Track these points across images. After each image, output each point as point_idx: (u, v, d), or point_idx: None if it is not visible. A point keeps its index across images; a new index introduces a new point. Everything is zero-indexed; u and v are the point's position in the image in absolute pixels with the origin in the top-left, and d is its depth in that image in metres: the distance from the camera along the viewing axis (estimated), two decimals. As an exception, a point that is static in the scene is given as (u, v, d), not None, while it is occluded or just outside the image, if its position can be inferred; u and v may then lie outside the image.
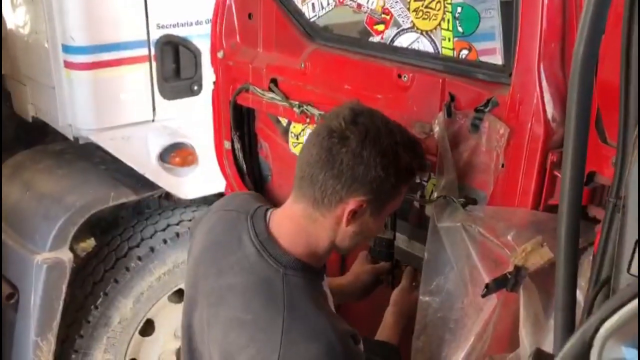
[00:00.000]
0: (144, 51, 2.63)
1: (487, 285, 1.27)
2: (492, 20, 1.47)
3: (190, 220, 2.90)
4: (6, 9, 2.98)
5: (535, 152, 1.27)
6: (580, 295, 1.18)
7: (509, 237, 1.30)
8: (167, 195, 2.99)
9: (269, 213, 1.40)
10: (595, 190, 1.24)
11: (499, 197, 1.38)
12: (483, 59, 1.50)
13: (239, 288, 1.32)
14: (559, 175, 1.24)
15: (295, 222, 1.34)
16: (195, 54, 2.73)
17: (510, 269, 1.26)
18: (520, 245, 1.28)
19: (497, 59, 1.45)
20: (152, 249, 2.80)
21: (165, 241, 2.82)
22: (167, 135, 2.79)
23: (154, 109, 2.74)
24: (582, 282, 1.20)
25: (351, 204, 1.27)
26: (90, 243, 3.12)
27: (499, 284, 1.26)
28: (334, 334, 1.24)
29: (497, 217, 1.36)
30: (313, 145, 1.28)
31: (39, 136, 3.24)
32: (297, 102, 1.84)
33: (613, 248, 0.99)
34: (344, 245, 1.37)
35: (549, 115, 1.26)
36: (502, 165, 1.35)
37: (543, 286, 1.26)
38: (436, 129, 1.45)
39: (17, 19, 2.95)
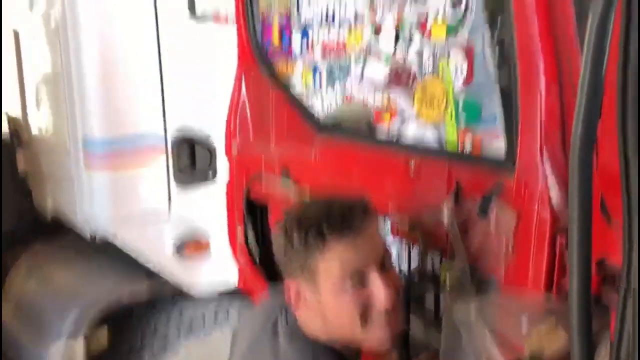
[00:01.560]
0: (161, 147, 2.73)
1: (504, 374, 1.24)
2: (494, 107, 1.52)
3: (204, 310, 2.88)
4: (32, 109, 3.14)
5: (544, 236, 1.28)
6: (600, 382, 1.14)
7: (523, 322, 1.28)
8: (180, 289, 2.99)
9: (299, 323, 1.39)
10: (607, 275, 1.23)
11: (511, 281, 1.38)
12: (486, 142, 1.54)
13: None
14: (569, 258, 1.24)
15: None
16: (210, 148, 2.83)
17: (527, 353, 1.23)
18: (534, 329, 1.25)
19: (501, 143, 1.49)
20: (165, 339, 2.77)
21: (178, 331, 2.79)
22: (181, 228, 2.83)
23: (169, 202, 2.80)
24: (601, 367, 1.17)
25: (291, 288, 1.33)
26: (104, 334, 3.10)
27: (516, 372, 1.23)
28: None
29: (510, 301, 1.34)
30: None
31: (57, 231, 3.30)
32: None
33: (629, 335, 0.98)
34: (333, 334, 1.33)
35: (554, 200, 1.28)
36: (512, 250, 1.35)
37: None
38: (445, 215, 1.47)
39: (41, 118, 3.10)
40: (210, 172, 2.83)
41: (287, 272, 1.34)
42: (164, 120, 2.71)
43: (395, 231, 1.69)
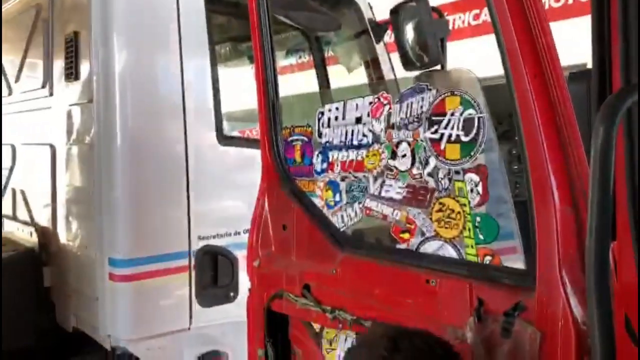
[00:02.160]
0: (184, 262, 2.78)
1: None
2: (511, 225, 1.55)
3: None
4: (61, 225, 3.24)
5: (570, 355, 1.26)
6: None
7: None
8: (201, 406, 2.91)
9: None
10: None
11: (540, 404, 1.33)
12: (504, 257, 1.55)
13: None
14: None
15: None
16: (232, 262, 2.86)
17: None
18: None
19: (518, 257, 1.50)
20: None
21: None
22: (202, 343, 2.81)
23: (190, 317, 2.79)
24: None
25: None
26: None
27: None
28: None
29: None
30: None
31: (77, 348, 3.27)
32: (329, 308, 1.88)
33: None
34: None
35: (578, 318, 1.27)
36: (539, 370, 1.33)
37: None
38: (469, 334, 1.46)
39: (69, 235, 3.18)
40: (232, 292, 2.84)
41: None
42: (189, 239, 2.77)
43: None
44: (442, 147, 1.62)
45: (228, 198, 2.86)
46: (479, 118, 1.53)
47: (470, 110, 1.55)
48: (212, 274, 2.84)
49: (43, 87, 3.35)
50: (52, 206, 3.28)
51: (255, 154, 2.28)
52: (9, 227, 3.75)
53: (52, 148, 3.26)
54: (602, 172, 0.96)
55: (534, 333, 1.31)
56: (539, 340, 1.30)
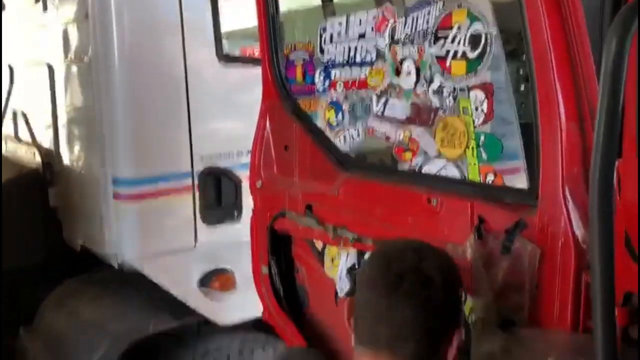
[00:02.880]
0: (187, 182, 2.79)
1: (531, 414, 1.22)
2: (515, 144, 1.53)
3: (228, 346, 2.89)
4: (63, 145, 3.24)
5: (569, 274, 1.27)
6: None
7: (550, 362, 1.27)
8: (207, 321, 3.01)
9: None
10: (634, 311, 1.21)
11: (536, 318, 1.36)
12: (507, 178, 1.54)
13: None
14: (595, 296, 1.23)
15: None
16: (236, 183, 2.88)
17: (554, 396, 1.21)
18: (562, 370, 1.24)
19: (522, 177, 1.49)
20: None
21: (203, 369, 2.80)
22: (207, 261, 2.87)
23: (195, 236, 2.84)
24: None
25: (455, 339, 1.25)
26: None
27: (544, 412, 1.21)
28: None
29: (536, 339, 1.33)
30: (391, 303, 1.18)
31: (86, 265, 3.36)
32: (331, 226, 1.90)
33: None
34: None
35: (579, 237, 1.28)
36: (537, 287, 1.35)
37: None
38: (469, 251, 1.47)
39: (72, 154, 3.19)
40: (236, 211, 2.87)
41: (451, 323, 1.23)
42: (192, 159, 2.77)
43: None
44: (448, 63, 1.58)
45: (230, 118, 2.83)
46: (486, 34, 1.48)
47: (478, 25, 1.49)
48: (216, 194, 2.86)
49: (37, 1, 3.24)
50: (54, 127, 3.26)
51: (257, 73, 2.23)
52: (12, 148, 3.75)
53: (50, 68, 3.20)
54: (612, 87, 0.93)
55: (534, 250, 1.32)
56: (538, 257, 1.32)
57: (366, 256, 1.31)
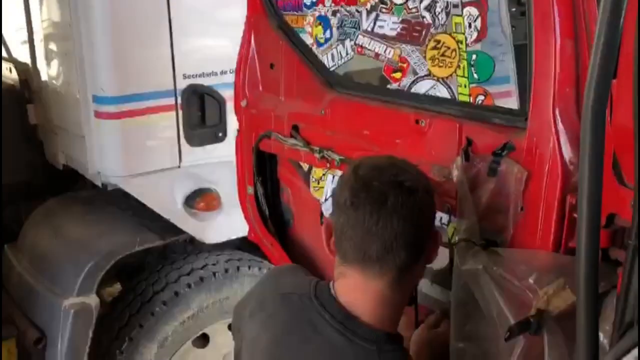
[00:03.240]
0: (170, 100, 2.72)
1: (509, 329, 1.26)
2: (507, 63, 1.50)
3: (214, 265, 2.93)
4: (41, 62, 3.13)
5: (554, 195, 1.28)
6: (605, 340, 1.16)
7: (531, 280, 1.29)
8: (192, 240, 3.04)
9: (331, 290, 1.32)
10: (615, 232, 1.23)
11: (519, 239, 1.38)
12: (499, 102, 1.52)
13: None
14: (578, 217, 1.24)
15: (379, 298, 1.27)
16: (220, 102, 2.82)
17: (533, 312, 1.25)
18: (542, 288, 1.27)
19: (513, 102, 1.47)
20: (176, 294, 2.83)
21: (189, 285, 2.85)
22: (192, 181, 2.85)
23: (180, 156, 2.81)
24: (607, 326, 1.19)
25: (435, 238, 1.31)
26: (116, 287, 3.18)
27: (522, 327, 1.25)
28: None
29: (518, 259, 1.35)
30: (379, 218, 1.21)
31: (69, 183, 3.33)
32: (317, 148, 1.88)
33: (635, 291, 0.99)
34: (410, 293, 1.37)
35: (566, 159, 1.27)
36: (522, 209, 1.36)
37: (567, 330, 1.25)
38: (455, 172, 1.47)
39: (51, 71, 3.08)
40: (220, 131, 2.82)
41: (430, 232, 1.30)
42: (174, 77, 2.69)
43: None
44: (441, -22, 1.51)
45: (214, 35, 2.73)
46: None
47: None
48: (200, 113, 2.80)
49: None
50: (30, 42, 3.14)
51: (241, -14, 2.13)
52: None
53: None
54: (612, 5, 0.89)
55: (521, 172, 1.32)
56: (524, 179, 1.31)
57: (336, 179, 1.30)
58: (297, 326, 1.30)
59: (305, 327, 1.28)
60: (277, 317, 1.35)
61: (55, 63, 3.04)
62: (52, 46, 3.02)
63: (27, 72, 3.23)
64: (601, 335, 1.12)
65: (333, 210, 1.32)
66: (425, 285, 1.72)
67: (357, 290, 1.27)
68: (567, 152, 1.27)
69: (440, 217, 1.61)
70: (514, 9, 1.45)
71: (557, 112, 1.27)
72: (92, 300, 2.65)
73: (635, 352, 0.64)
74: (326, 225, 1.35)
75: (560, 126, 1.27)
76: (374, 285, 1.25)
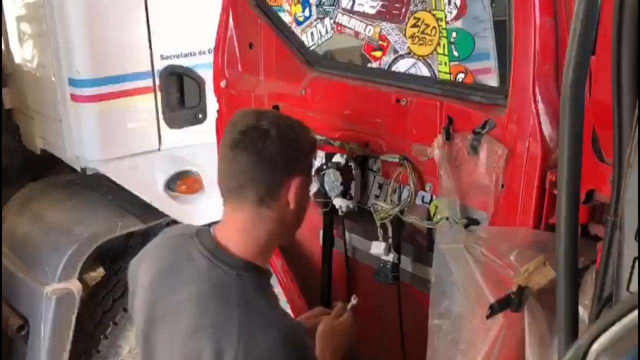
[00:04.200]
0: (148, 82, 2.68)
1: (491, 306, 1.27)
2: (487, 40, 1.50)
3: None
4: (14, 44, 3.05)
5: (534, 172, 1.28)
6: (585, 314, 1.18)
7: (512, 257, 1.30)
8: (174, 223, 3.01)
9: (212, 229, 1.46)
10: (595, 208, 1.24)
11: (500, 217, 1.39)
12: (479, 78, 1.52)
13: (193, 298, 1.36)
14: (558, 194, 1.25)
15: (242, 229, 1.40)
16: (199, 83, 2.78)
17: (514, 289, 1.26)
18: (522, 265, 1.28)
19: (493, 79, 1.47)
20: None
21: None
22: (173, 164, 2.83)
23: (159, 138, 2.77)
24: (586, 301, 1.20)
25: (294, 184, 1.38)
26: (99, 272, 3.15)
27: (503, 304, 1.26)
28: (289, 323, 1.38)
29: (499, 237, 1.36)
30: (235, 155, 1.36)
31: (48, 168, 3.28)
32: (298, 128, 1.86)
33: (614, 266, 1.00)
34: (289, 231, 1.49)
35: (546, 135, 1.27)
36: (502, 186, 1.36)
37: (547, 305, 1.26)
38: (436, 151, 1.47)
39: (25, 54, 3.01)
40: (200, 113, 2.79)
41: (289, 170, 1.38)
42: (151, 58, 2.65)
43: (386, 170, 1.69)
44: (421, -46, 1.49)
45: (191, 14, 2.68)
46: None
47: None
48: (179, 95, 2.76)
49: None
50: (1, 22, 3.05)
51: (218, -36, 2.09)
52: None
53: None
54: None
55: (501, 149, 1.32)
56: (505, 157, 1.32)
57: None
58: (175, 259, 1.44)
59: (181, 258, 1.43)
60: (160, 255, 1.50)
61: (29, 45, 2.97)
62: (25, 27, 2.95)
63: (0, 56, 3.15)
64: (581, 310, 1.13)
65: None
66: (407, 264, 1.74)
67: (227, 222, 1.42)
68: (547, 129, 1.28)
69: (422, 196, 1.61)
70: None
71: (537, 89, 1.27)
72: (74, 285, 2.63)
73: (613, 329, 0.65)
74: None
75: (540, 103, 1.27)
76: (238, 217, 1.40)
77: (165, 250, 1.50)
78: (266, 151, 1.34)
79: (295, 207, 1.40)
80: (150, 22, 2.60)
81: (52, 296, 2.58)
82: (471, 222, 1.44)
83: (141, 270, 1.52)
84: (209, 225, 1.49)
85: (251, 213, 1.38)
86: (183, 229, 1.59)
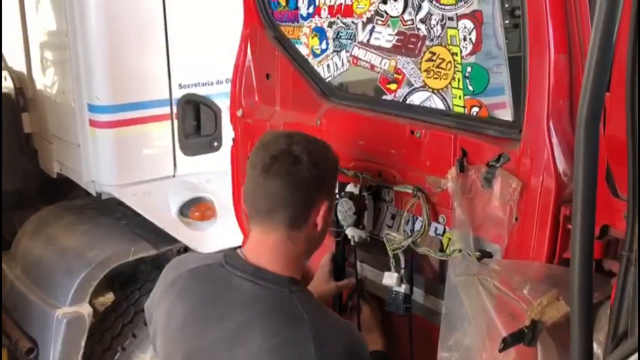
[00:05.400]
0: (166, 110, 2.73)
1: (504, 340, 1.26)
2: (501, 76, 1.51)
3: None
4: (36, 70, 3.13)
5: (548, 206, 1.28)
6: (599, 350, 1.17)
7: (525, 291, 1.30)
8: (186, 250, 3.03)
9: (239, 253, 1.46)
10: (609, 244, 1.24)
11: (513, 250, 1.39)
12: (493, 112, 1.54)
13: (251, 321, 1.35)
14: (572, 228, 1.25)
15: (273, 249, 1.42)
16: (215, 112, 2.83)
17: (527, 323, 1.25)
18: (536, 299, 1.27)
19: (507, 113, 1.48)
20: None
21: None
22: (187, 190, 2.85)
23: (174, 165, 2.81)
24: (601, 337, 1.19)
25: (322, 208, 1.43)
26: (108, 297, 3.16)
27: (516, 338, 1.26)
28: (349, 326, 1.47)
29: (512, 270, 1.36)
30: (266, 179, 1.38)
31: (63, 192, 3.32)
32: (313, 158, 1.88)
33: (629, 302, 0.99)
34: (313, 249, 1.52)
35: (560, 170, 1.28)
36: (516, 219, 1.36)
37: (560, 340, 1.25)
38: (449, 183, 1.48)
39: (46, 80, 3.08)
40: (215, 141, 2.83)
41: (319, 195, 1.43)
42: (170, 86, 2.70)
43: (400, 201, 1.70)
44: (437, -9, 1.53)
45: (209, 45, 2.74)
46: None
47: (469, -49, 1.44)
48: (195, 123, 2.81)
49: None
50: (25, 50, 3.14)
51: (238, -4, 2.14)
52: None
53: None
54: (606, 17, 0.90)
55: (515, 183, 1.33)
56: (519, 190, 1.32)
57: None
58: (212, 289, 1.43)
59: (220, 287, 1.42)
60: (189, 289, 1.46)
61: (50, 71, 3.04)
62: (48, 55, 3.03)
63: (23, 81, 3.23)
64: (595, 346, 1.13)
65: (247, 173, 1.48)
66: (420, 296, 1.73)
67: (257, 244, 1.44)
68: (561, 164, 1.28)
69: (435, 227, 1.62)
70: (507, 22, 1.47)
71: (551, 124, 1.28)
72: (85, 309, 2.64)
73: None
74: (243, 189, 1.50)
75: (554, 138, 1.28)
76: (269, 239, 1.42)
77: (194, 284, 1.46)
78: (298, 177, 1.37)
79: (321, 228, 1.45)
80: (170, 52, 2.66)
81: (63, 319, 2.59)
82: (484, 255, 1.44)
83: (165, 309, 1.47)
84: (221, 251, 1.49)
85: (282, 235, 1.41)
86: (201, 259, 1.55)
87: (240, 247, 2.21)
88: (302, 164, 1.38)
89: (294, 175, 1.37)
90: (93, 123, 2.68)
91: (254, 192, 1.41)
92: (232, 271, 1.42)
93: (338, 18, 1.84)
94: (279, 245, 1.41)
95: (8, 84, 3.29)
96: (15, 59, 3.31)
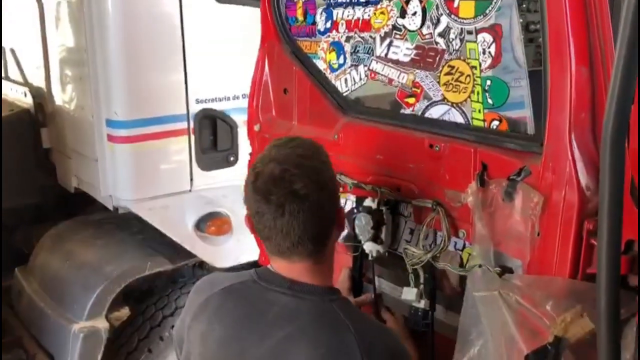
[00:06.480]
0: (183, 125, 2.75)
1: (527, 357, 1.24)
2: (522, 89, 1.50)
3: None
4: (55, 86, 3.17)
5: (571, 221, 1.26)
6: (626, 368, 1.14)
7: (548, 307, 1.27)
8: (201, 264, 3.03)
9: (271, 269, 1.46)
10: (634, 259, 1.22)
11: (536, 265, 1.37)
12: (514, 126, 1.52)
13: (295, 335, 1.35)
14: (596, 243, 1.22)
15: (304, 271, 1.43)
16: (232, 127, 2.84)
17: (550, 339, 1.23)
18: (559, 315, 1.25)
19: (528, 127, 1.47)
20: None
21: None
22: (203, 205, 2.86)
23: (191, 180, 2.82)
24: (628, 355, 1.17)
25: (339, 216, 1.47)
26: (124, 312, 3.16)
27: (539, 355, 1.23)
28: (388, 328, 1.55)
29: (534, 286, 1.34)
30: (279, 221, 1.36)
31: (80, 207, 3.34)
32: (330, 172, 1.87)
33: (656, 319, 0.97)
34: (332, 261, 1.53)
35: (583, 184, 1.26)
36: (538, 234, 1.34)
37: (583, 358, 1.23)
38: (469, 198, 1.46)
39: (65, 96, 3.12)
40: (232, 156, 2.84)
41: (333, 219, 1.44)
42: (187, 101, 2.72)
43: (418, 216, 1.69)
44: (456, 4, 1.52)
45: (227, 60, 2.76)
46: (496, -26, 1.43)
47: (488, -37, 1.43)
48: (212, 138, 2.83)
49: None
50: (45, 66, 3.18)
51: (256, 12, 2.16)
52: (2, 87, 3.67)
53: (40, 3, 3.09)
54: (631, 31, 0.89)
55: (537, 197, 1.31)
56: (541, 205, 1.31)
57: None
58: (250, 306, 1.43)
59: (258, 304, 1.42)
60: (224, 307, 1.46)
61: (69, 87, 3.08)
62: (67, 71, 3.07)
63: (42, 96, 3.27)
64: (622, 364, 1.10)
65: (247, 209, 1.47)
66: (440, 312, 1.71)
67: (288, 269, 1.44)
68: (584, 177, 1.26)
69: (455, 242, 1.60)
70: (526, 35, 1.46)
71: (573, 137, 1.26)
72: (102, 324, 2.64)
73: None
74: (247, 220, 1.48)
75: (577, 151, 1.27)
76: (298, 266, 1.42)
77: (230, 302, 1.46)
78: (313, 209, 1.36)
79: (342, 227, 1.50)
80: (187, 67, 2.69)
81: (80, 334, 2.59)
82: (505, 270, 1.42)
83: (201, 331, 1.45)
84: (232, 268, 1.47)
85: (311, 260, 1.42)
86: (232, 277, 1.54)
87: (257, 263, 2.22)
88: (310, 196, 1.36)
89: (308, 209, 1.36)
90: (111, 138, 2.70)
91: (271, 236, 1.39)
92: (268, 287, 1.42)
93: (356, 32, 1.84)
94: (310, 268, 1.42)
95: (28, 100, 3.33)
96: (35, 75, 3.36)
